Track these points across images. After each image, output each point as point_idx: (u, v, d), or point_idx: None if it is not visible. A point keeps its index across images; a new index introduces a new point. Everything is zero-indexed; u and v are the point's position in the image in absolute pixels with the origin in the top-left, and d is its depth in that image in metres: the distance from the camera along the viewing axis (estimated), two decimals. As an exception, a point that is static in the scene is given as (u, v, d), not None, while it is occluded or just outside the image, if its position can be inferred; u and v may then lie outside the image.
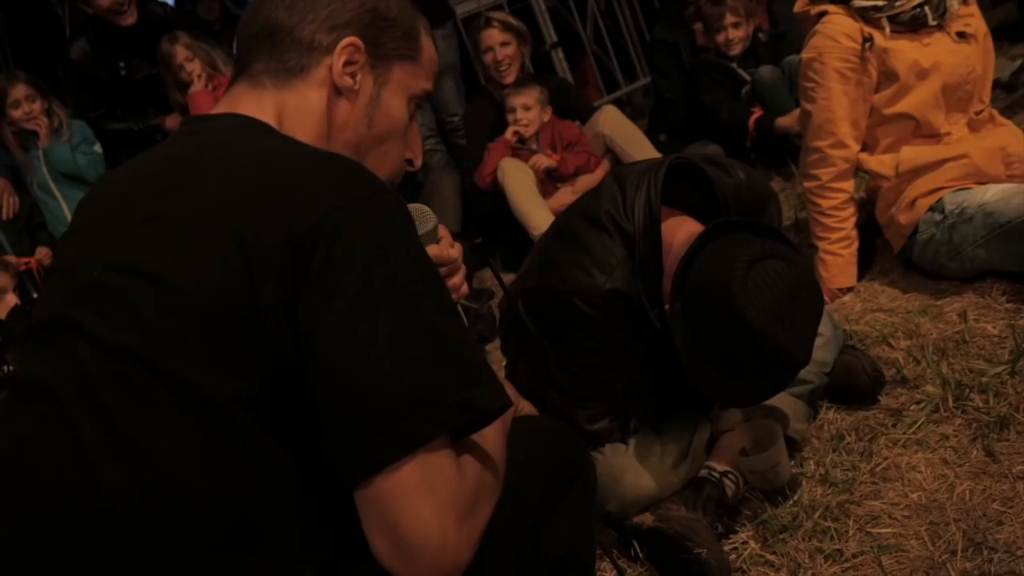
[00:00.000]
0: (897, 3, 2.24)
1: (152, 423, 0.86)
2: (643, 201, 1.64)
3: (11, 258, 3.94)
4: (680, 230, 1.66)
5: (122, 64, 3.97)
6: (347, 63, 1.10)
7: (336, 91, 1.10)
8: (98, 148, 4.19)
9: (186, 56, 3.95)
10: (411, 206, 1.18)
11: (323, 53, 1.10)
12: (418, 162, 1.36)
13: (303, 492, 0.90)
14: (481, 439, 0.93)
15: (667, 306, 1.61)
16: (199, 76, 3.96)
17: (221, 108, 1.11)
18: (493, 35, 3.76)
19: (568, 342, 1.68)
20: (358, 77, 1.11)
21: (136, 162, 1.08)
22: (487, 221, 3.72)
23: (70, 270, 1.00)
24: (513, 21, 3.87)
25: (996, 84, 3.35)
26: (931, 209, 2.26)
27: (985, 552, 1.41)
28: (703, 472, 1.74)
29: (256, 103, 1.08)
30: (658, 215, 1.64)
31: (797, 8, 2.44)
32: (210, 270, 0.87)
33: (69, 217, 4.04)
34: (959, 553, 1.43)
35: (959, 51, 2.29)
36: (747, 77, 3.72)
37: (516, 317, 1.76)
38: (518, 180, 3.44)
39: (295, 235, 0.86)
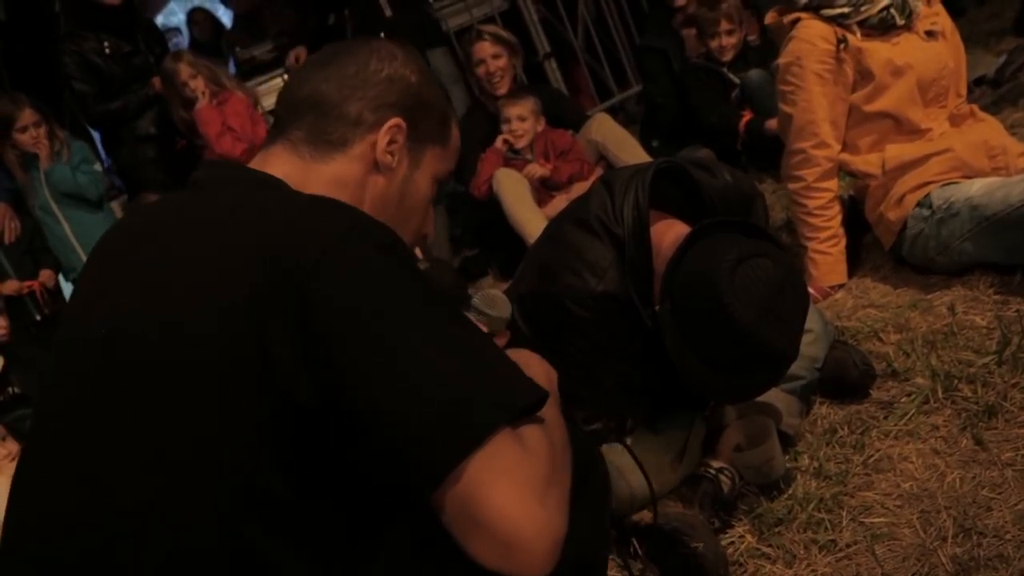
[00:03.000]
0: (863, 8, 2.30)
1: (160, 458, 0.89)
2: (631, 204, 1.68)
3: (13, 282, 3.99)
4: (668, 232, 1.70)
5: (106, 44, 4.09)
6: (390, 142, 1.15)
7: (375, 167, 1.15)
8: (98, 167, 4.27)
9: (190, 74, 4.03)
10: (487, 293, 1.31)
11: (367, 130, 1.14)
12: (431, 235, 1.44)
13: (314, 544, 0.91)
14: (536, 418, 0.94)
15: (657, 306, 1.64)
16: (203, 93, 4.03)
17: (253, 165, 1.14)
18: (485, 48, 3.80)
19: (562, 344, 1.71)
20: (397, 156, 1.16)
21: (154, 212, 1.11)
22: (483, 230, 3.76)
23: (83, 320, 1.03)
24: (504, 33, 3.92)
25: (982, 80, 3.40)
26: (919, 205, 2.29)
27: (975, 537, 1.44)
28: (699, 469, 1.77)
29: (287, 166, 1.11)
30: (646, 218, 1.68)
31: (768, 21, 2.50)
32: (216, 329, 0.89)
33: (71, 237, 4.11)
34: (949, 539, 1.46)
35: (930, 48, 2.34)
36: (737, 81, 3.77)
37: (511, 322, 1.79)
38: (513, 189, 3.48)
39: (294, 278, 0.88)
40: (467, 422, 0.84)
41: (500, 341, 1.31)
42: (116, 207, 4.70)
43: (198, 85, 4.03)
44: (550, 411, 0.97)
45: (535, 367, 1.13)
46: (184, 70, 4.02)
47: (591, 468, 1.18)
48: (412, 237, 1.24)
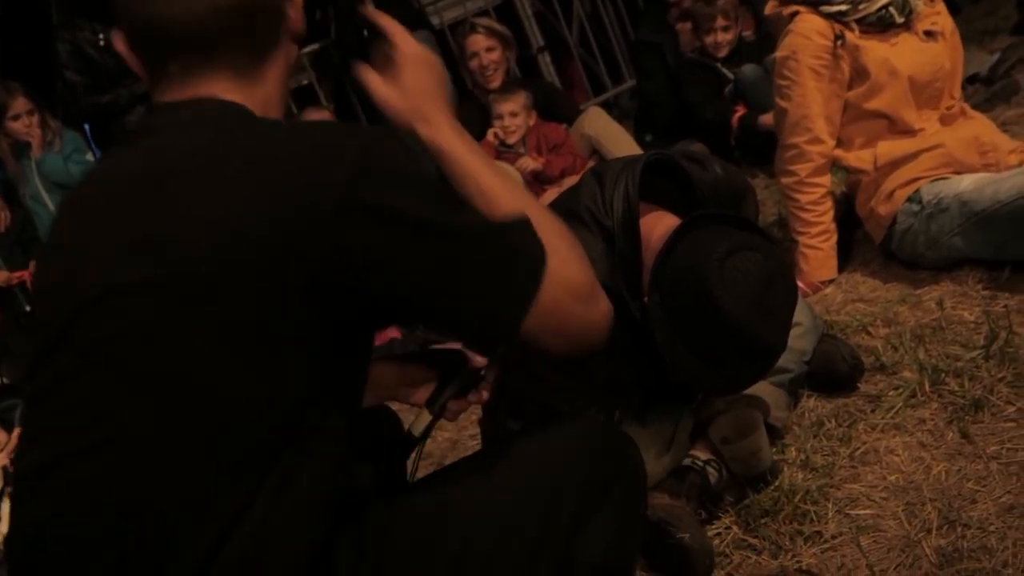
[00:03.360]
0: (861, 6, 2.30)
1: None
2: (621, 196, 1.68)
3: (2, 273, 3.97)
4: (658, 224, 1.70)
5: (101, 35, 4.08)
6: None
7: (292, 40, 1.10)
8: (90, 157, 4.25)
9: None
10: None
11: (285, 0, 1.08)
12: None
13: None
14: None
15: (646, 298, 1.64)
16: None
17: (173, 95, 1.03)
18: (478, 41, 3.80)
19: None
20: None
21: (113, 165, 1.04)
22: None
23: (65, 286, 0.96)
24: (498, 27, 3.92)
25: (975, 78, 3.41)
26: (909, 200, 2.30)
27: (959, 529, 1.45)
28: (687, 461, 1.77)
29: (221, 85, 1.03)
30: (636, 210, 1.68)
31: (768, 10, 2.50)
32: (220, 271, 0.88)
33: (63, 228, 4.08)
34: (934, 531, 1.47)
35: (928, 50, 2.34)
36: (731, 76, 3.77)
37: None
38: (505, 183, 3.47)
39: (320, 216, 0.88)
40: (523, 275, 0.96)
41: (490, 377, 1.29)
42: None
43: None
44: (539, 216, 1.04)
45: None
46: None
47: (621, 470, 1.12)
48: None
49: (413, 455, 1.28)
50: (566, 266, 0.99)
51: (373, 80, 1.11)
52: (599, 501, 1.06)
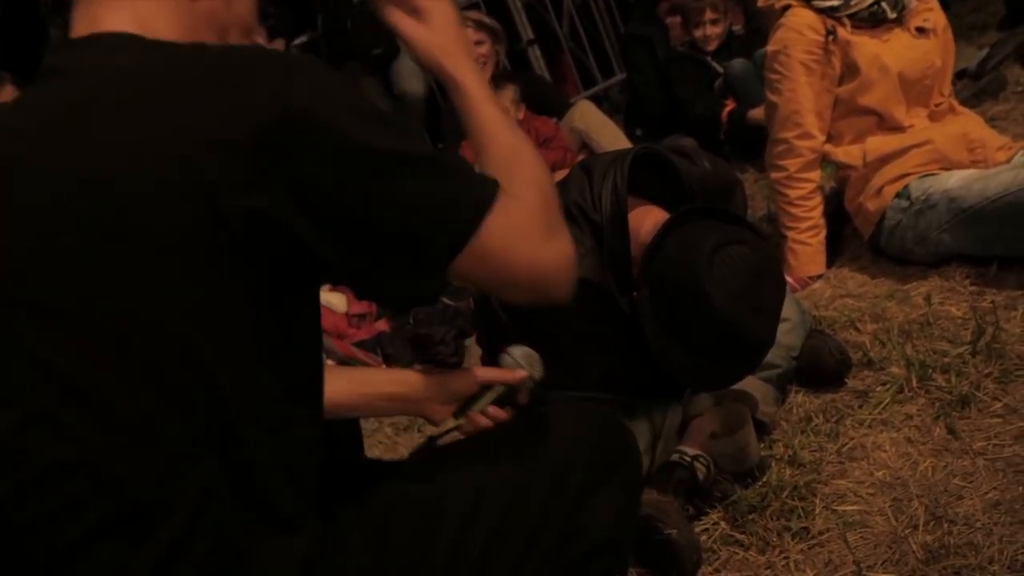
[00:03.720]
0: (853, 2, 2.30)
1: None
2: (610, 190, 1.68)
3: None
4: (647, 218, 1.69)
5: None
6: None
7: None
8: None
9: None
10: (527, 351, 1.31)
11: None
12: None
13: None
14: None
15: (635, 293, 1.64)
16: None
17: (81, 30, 0.95)
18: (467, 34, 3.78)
19: (540, 330, 1.70)
20: None
21: (24, 107, 0.95)
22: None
23: None
24: (487, 20, 3.89)
25: (964, 73, 3.42)
26: (898, 196, 2.30)
27: (945, 525, 1.45)
28: (674, 456, 1.76)
29: (115, 14, 0.95)
30: (625, 204, 1.67)
31: (761, 3, 2.49)
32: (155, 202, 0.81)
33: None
34: (921, 527, 1.47)
35: (919, 46, 2.34)
36: (720, 70, 3.77)
37: (489, 308, 1.78)
38: (494, 176, 3.46)
39: (260, 134, 0.81)
40: (468, 202, 0.90)
41: (523, 398, 1.31)
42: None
43: None
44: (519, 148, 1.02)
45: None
46: None
47: (624, 457, 1.16)
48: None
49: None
50: (525, 213, 0.94)
51: (401, 18, 1.09)
52: (607, 475, 1.10)
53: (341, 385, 1.23)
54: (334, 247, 0.86)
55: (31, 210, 0.84)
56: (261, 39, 1.24)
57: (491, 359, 1.87)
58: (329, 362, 2.39)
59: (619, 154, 1.75)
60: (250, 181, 0.81)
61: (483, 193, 0.91)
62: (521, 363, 1.30)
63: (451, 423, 1.26)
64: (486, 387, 1.28)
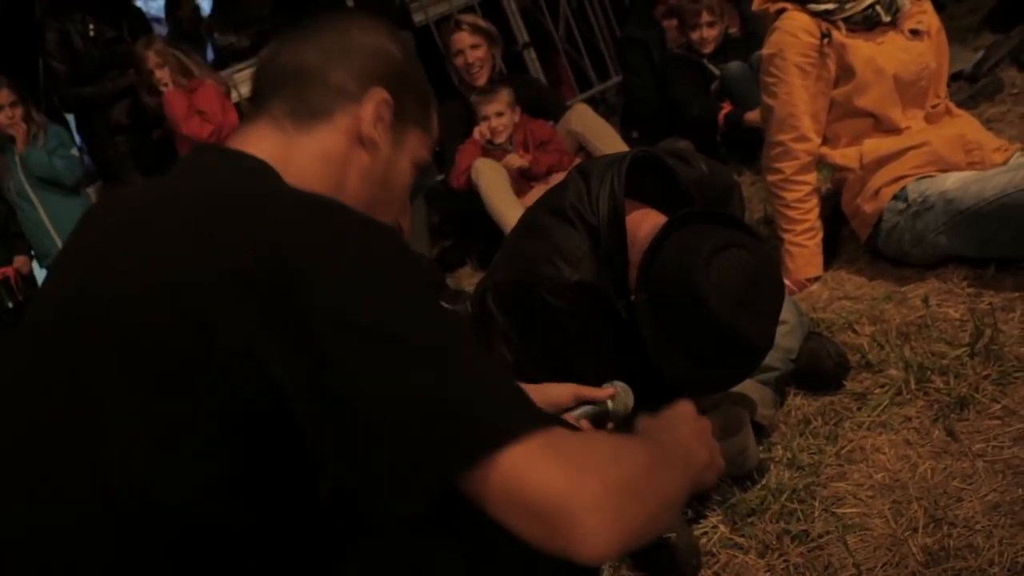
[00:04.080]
0: (848, 5, 2.30)
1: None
2: (607, 194, 1.68)
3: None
4: (644, 222, 1.69)
5: (91, 26, 4.06)
6: (377, 118, 1.07)
7: (359, 142, 1.06)
8: (75, 151, 4.23)
9: (156, 63, 3.99)
10: (623, 385, 1.42)
11: (350, 99, 1.06)
12: (408, 229, 1.45)
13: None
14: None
15: (633, 296, 1.64)
16: (166, 84, 3.99)
17: (234, 143, 1.04)
18: (463, 38, 3.78)
19: (537, 334, 1.71)
20: (382, 133, 1.08)
21: (132, 196, 1.00)
22: (462, 221, 3.75)
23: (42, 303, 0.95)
24: (483, 23, 3.89)
25: (959, 75, 3.42)
26: (895, 198, 2.30)
27: (945, 528, 1.45)
28: (673, 459, 1.76)
29: (269, 143, 1.03)
30: (622, 207, 1.67)
31: (756, 6, 2.49)
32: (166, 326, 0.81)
33: (47, 222, 4.07)
34: (920, 530, 1.46)
35: (913, 48, 2.34)
36: (717, 73, 3.77)
37: (486, 310, 1.78)
38: (492, 180, 3.46)
39: (243, 276, 0.80)
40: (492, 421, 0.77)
41: (610, 425, 1.40)
42: (92, 192, 4.66)
43: (163, 75, 3.99)
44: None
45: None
46: (151, 58, 3.99)
47: None
48: (390, 224, 1.17)
49: None
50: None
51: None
52: None
53: None
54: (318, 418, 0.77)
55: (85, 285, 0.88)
56: (406, 223, 1.28)
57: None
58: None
59: (616, 157, 1.75)
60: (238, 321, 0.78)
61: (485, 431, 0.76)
62: (619, 392, 1.39)
63: None
64: (582, 403, 1.36)
